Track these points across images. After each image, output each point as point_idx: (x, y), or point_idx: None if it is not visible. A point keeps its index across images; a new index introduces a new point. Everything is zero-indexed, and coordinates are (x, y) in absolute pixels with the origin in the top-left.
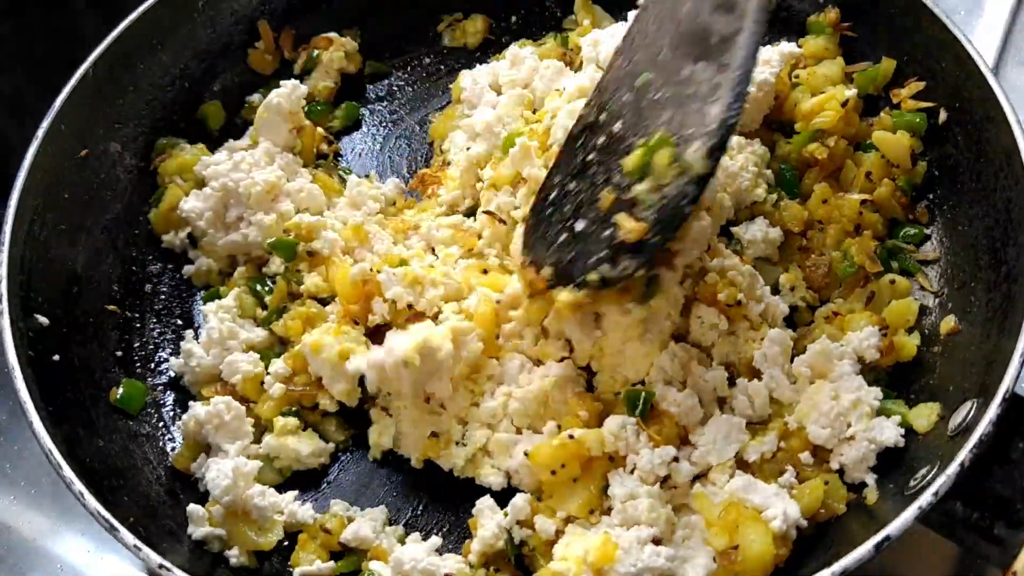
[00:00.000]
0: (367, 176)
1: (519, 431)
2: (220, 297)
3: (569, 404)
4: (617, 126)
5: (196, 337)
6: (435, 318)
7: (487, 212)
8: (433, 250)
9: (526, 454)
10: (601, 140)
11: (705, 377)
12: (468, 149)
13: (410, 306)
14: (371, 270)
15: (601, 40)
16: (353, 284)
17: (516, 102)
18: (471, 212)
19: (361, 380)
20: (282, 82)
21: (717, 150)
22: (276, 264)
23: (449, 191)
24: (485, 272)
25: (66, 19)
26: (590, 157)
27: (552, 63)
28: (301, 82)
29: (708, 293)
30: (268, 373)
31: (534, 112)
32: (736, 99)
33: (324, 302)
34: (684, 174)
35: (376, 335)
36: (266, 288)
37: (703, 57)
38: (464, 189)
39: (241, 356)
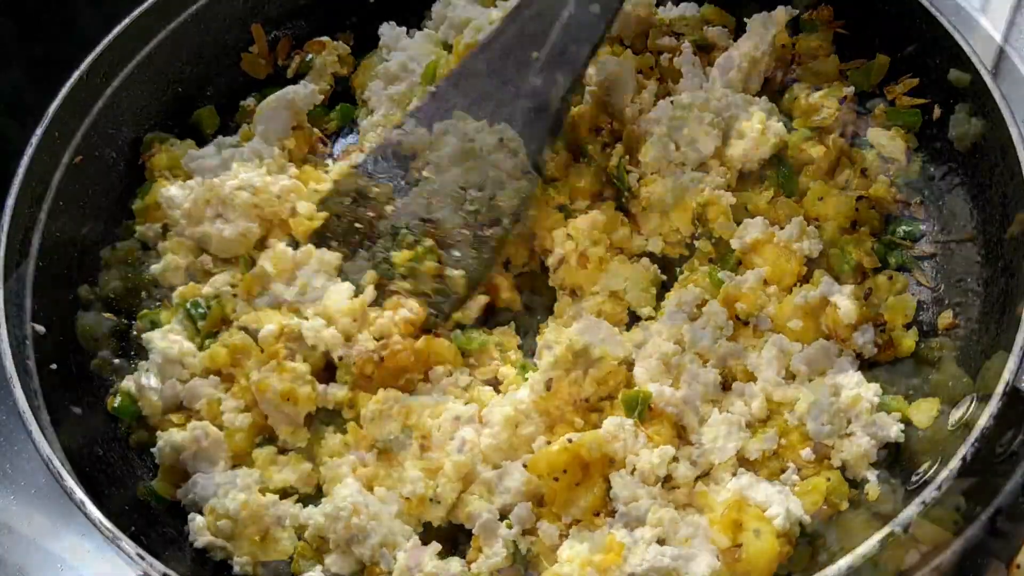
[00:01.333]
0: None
1: (495, 467)
2: (158, 324)
3: (565, 414)
4: (389, 208)
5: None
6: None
7: None
8: None
9: (525, 466)
10: (371, 214)
11: (699, 379)
12: (387, 91)
13: (326, 353)
14: (280, 329)
15: None
16: (265, 341)
17: (425, 40)
18: None
19: (307, 420)
20: (302, 82)
21: (476, 282)
22: (220, 281)
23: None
24: None
25: (66, 19)
26: (358, 226)
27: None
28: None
29: (728, 302)
30: (223, 411)
31: (448, 51)
32: (491, 255)
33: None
34: (446, 290)
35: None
36: (199, 312)
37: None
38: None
39: (199, 381)
